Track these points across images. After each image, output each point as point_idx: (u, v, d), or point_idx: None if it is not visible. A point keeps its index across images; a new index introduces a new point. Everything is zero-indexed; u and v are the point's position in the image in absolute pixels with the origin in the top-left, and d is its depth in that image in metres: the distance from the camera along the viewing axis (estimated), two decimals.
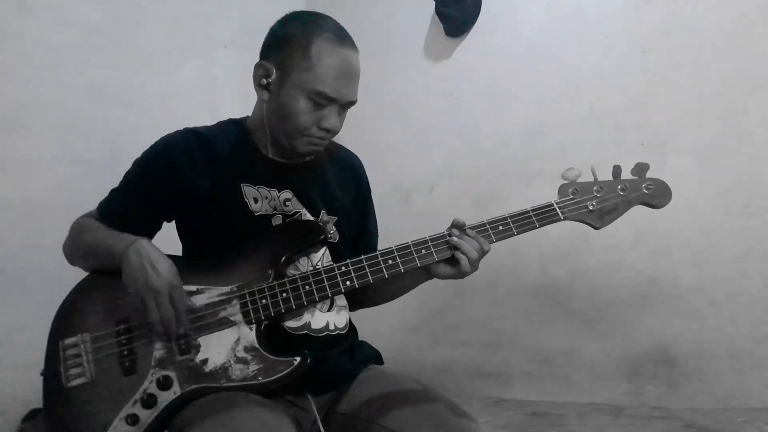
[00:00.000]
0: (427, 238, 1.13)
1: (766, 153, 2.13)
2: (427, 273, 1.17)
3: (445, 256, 1.12)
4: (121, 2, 2.53)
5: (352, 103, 1.15)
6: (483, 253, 1.12)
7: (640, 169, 1.19)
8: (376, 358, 1.28)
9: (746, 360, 2.13)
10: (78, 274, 1.19)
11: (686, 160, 2.24)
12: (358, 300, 1.32)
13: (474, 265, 1.11)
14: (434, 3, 2.92)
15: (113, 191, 1.24)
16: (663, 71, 2.34)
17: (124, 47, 2.51)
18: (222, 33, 2.90)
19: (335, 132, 1.16)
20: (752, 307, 2.14)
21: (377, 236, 1.38)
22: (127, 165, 1.22)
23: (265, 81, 1.13)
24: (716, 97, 2.22)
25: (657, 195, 1.18)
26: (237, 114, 1.29)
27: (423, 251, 1.12)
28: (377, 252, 1.12)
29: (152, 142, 1.20)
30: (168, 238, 1.22)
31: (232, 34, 2.90)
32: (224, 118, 1.29)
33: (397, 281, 1.24)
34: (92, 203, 1.26)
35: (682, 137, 2.28)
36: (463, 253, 1.10)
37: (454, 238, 1.11)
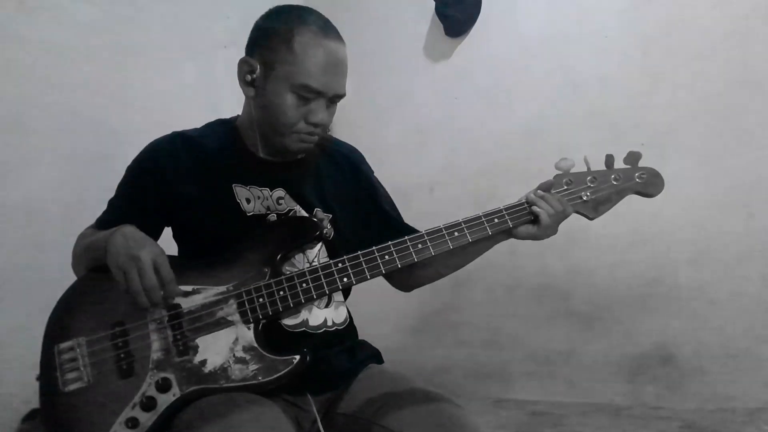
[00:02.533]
0: (423, 232, 1.12)
1: (766, 153, 2.13)
2: (507, 233, 1.17)
3: (443, 250, 1.11)
4: (121, 2, 2.52)
5: (340, 96, 1.13)
6: (564, 215, 1.14)
7: (633, 158, 1.18)
8: (375, 357, 1.27)
9: (746, 360, 2.13)
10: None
11: (686, 160, 2.24)
12: (421, 276, 1.29)
13: (553, 225, 1.13)
14: (434, 3, 2.92)
15: (109, 202, 1.23)
16: (663, 71, 2.34)
17: (124, 47, 2.50)
18: (222, 33, 2.90)
19: (324, 126, 1.14)
20: (752, 307, 2.14)
21: (398, 213, 1.36)
22: (127, 165, 1.22)
23: (249, 77, 1.12)
24: (716, 97, 2.22)
25: (650, 184, 1.17)
26: (237, 114, 1.29)
27: (419, 246, 1.11)
28: (374, 248, 1.11)
29: (145, 146, 1.20)
30: (166, 240, 1.21)
31: (232, 34, 2.89)
32: (224, 117, 1.28)
33: (469, 247, 1.19)
34: (92, 203, 1.26)
35: (682, 137, 2.28)
36: (540, 208, 1.12)
37: (532, 195, 1.14)
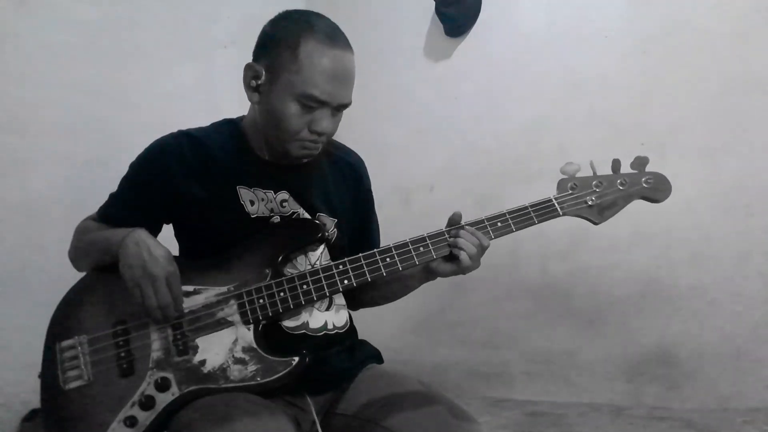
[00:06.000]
0: (425, 235, 1.12)
1: (766, 153, 2.13)
2: (428, 272, 1.17)
3: (444, 254, 1.12)
4: (121, 2, 2.52)
5: (345, 105, 1.12)
6: (482, 249, 1.11)
7: (640, 162, 1.17)
8: (375, 357, 1.27)
9: (746, 360, 2.13)
10: (78, 274, 1.19)
11: (686, 160, 2.24)
12: (359, 299, 1.31)
13: (474, 261, 1.10)
14: (434, 3, 2.92)
15: (111, 196, 1.23)
16: (663, 71, 2.34)
17: (124, 47, 2.51)
18: (222, 33, 2.90)
19: (328, 135, 1.14)
20: (752, 307, 2.13)
21: (379, 238, 1.37)
22: (127, 165, 1.22)
23: (254, 83, 1.11)
24: (716, 97, 2.22)
25: (657, 189, 1.16)
26: (236, 115, 1.28)
27: (421, 249, 1.11)
28: (375, 251, 1.11)
29: (151, 143, 1.20)
30: (167, 238, 1.22)
31: (232, 34, 2.89)
32: (230, 117, 1.28)
33: (397, 281, 1.24)
34: (92, 203, 1.26)
35: (682, 137, 2.27)
36: (461, 248, 1.09)
37: (452, 237, 1.11)
